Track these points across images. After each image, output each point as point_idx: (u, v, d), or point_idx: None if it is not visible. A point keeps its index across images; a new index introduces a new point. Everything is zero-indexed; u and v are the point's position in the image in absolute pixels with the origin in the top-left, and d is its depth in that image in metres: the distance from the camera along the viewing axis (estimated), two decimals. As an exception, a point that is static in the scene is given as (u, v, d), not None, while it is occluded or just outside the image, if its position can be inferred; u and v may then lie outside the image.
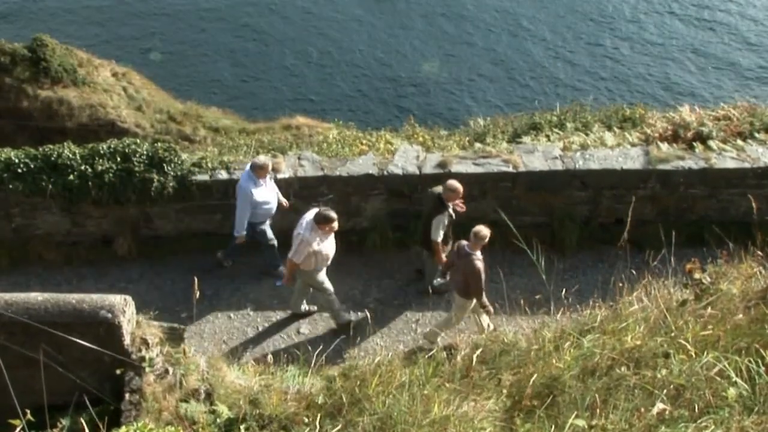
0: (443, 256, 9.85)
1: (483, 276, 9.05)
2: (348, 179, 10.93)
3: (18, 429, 4.33)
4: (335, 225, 9.39)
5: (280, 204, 10.61)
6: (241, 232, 10.35)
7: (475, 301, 9.25)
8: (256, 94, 29.58)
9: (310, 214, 9.46)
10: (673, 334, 5.40)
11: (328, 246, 9.52)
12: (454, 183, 9.83)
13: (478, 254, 9.07)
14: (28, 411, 4.42)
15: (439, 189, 9.93)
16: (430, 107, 28.55)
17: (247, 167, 10.27)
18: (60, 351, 5.82)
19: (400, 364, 5.91)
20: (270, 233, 10.59)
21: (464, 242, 9.22)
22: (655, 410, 4.57)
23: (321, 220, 9.29)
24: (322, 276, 9.77)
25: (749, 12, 33.19)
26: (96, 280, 10.80)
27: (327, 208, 9.44)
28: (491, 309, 9.29)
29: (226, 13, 33.32)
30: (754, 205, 9.11)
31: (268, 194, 10.31)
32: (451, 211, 9.87)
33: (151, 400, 6.03)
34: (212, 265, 10.96)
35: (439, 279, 10.33)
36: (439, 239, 9.75)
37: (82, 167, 10.52)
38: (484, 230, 9.06)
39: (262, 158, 10.35)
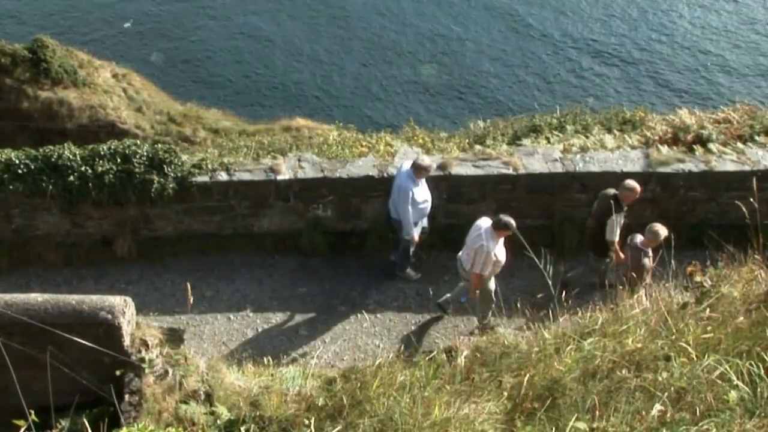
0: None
1: (648, 274, 9.01)
2: (348, 181, 10.92)
3: (23, 429, 4.32)
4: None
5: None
6: (412, 233, 10.28)
7: None
8: (256, 95, 29.58)
9: (484, 223, 9.40)
10: (673, 337, 5.40)
11: (503, 252, 9.45)
12: (632, 182, 9.76)
13: (649, 251, 9.05)
14: (32, 411, 4.40)
15: (612, 190, 9.88)
16: (430, 109, 28.55)
17: (406, 167, 10.23)
18: (60, 352, 5.81)
19: (401, 365, 5.90)
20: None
21: (639, 237, 9.19)
22: (655, 413, 4.57)
23: (502, 227, 9.23)
24: (492, 284, 9.72)
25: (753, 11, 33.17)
26: (96, 281, 10.80)
27: (504, 214, 9.35)
28: None
29: (226, 14, 33.31)
30: (745, 210, 9.15)
31: (425, 194, 10.28)
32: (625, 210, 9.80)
33: (151, 401, 6.03)
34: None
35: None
36: (616, 239, 9.70)
37: (83, 168, 10.51)
38: (660, 228, 9.03)
39: (427, 160, 10.31)
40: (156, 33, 32.15)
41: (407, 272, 10.86)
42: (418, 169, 10.07)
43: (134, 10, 33.25)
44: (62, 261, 11.06)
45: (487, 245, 9.19)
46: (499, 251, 9.36)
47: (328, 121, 24.18)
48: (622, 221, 9.74)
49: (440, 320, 10.37)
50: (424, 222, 10.60)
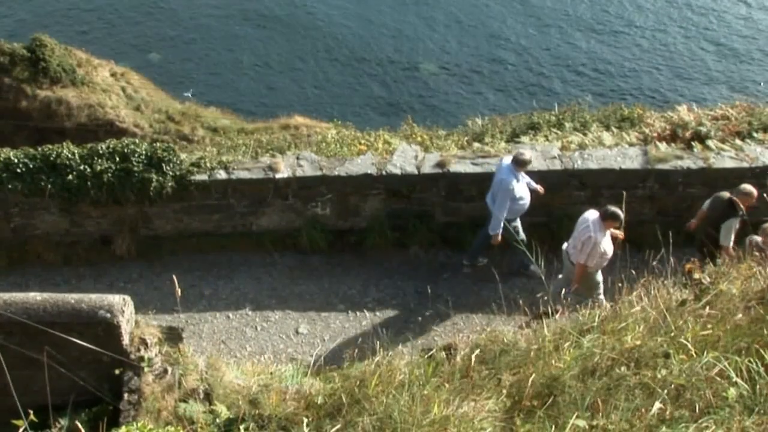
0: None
1: None
2: (346, 179, 10.92)
3: (21, 429, 4.32)
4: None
5: (534, 193, 10.35)
6: (498, 230, 10.14)
7: None
8: (254, 93, 29.57)
9: (591, 215, 9.31)
10: (672, 334, 5.39)
11: (609, 244, 9.33)
12: (749, 187, 9.44)
13: None
14: (31, 411, 4.40)
15: (727, 193, 9.60)
16: (428, 107, 28.55)
17: (507, 161, 10.11)
18: (59, 351, 5.81)
19: (400, 363, 5.90)
20: (521, 231, 10.42)
21: (756, 238, 9.09)
22: (655, 410, 4.57)
23: (611, 217, 9.12)
24: (599, 276, 9.57)
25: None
26: (95, 280, 10.79)
27: (612, 206, 9.19)
28: None
29: (225, 13, 33.27)
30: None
31: (525, 189, 10.17)
32: (742, 215, 9.49)
33: (150, 400, 6.02)
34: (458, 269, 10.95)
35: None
36: (730, 244, 9.35)
37: (81, 167, 10.50)
38: None
39: (528, 153, 10.20)
40: (155, 32, 32.14)
41: (478, 260, 10.84)
42: (519, 164, 9.99)
43: (134, 9, 33.23)
44: (61, 260, 11.06)
45: (595, 236, 9.11)
46: (607, 243, 9.25)
47: (327, 118, 24.20)
48: (738, 226, 9.43)
49: (439, 318, 10.37)
50: (518, 222, 10.37)
